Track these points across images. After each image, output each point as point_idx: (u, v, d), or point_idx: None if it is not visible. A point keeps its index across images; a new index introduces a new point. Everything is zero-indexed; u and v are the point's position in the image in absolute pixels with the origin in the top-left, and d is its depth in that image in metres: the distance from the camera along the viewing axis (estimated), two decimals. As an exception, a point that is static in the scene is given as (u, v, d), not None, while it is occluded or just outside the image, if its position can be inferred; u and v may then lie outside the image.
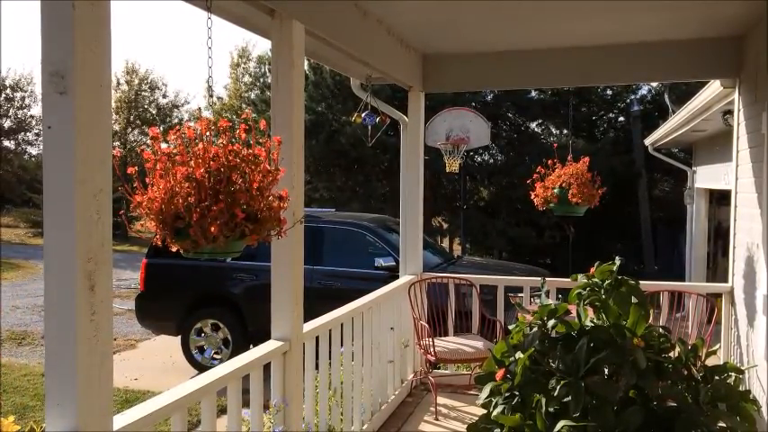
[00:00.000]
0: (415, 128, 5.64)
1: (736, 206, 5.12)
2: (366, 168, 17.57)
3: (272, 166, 2.52)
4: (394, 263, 8.27)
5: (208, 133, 2.38)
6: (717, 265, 14.17)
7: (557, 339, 2.41)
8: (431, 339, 5.32)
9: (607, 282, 2.44)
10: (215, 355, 8.24)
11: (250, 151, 2.48)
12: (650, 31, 4.90)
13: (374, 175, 17.70)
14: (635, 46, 5.17)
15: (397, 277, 6.51)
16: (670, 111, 13.21)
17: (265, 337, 3.44)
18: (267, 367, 3.25)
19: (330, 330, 4.09)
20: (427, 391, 5.67)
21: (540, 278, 7.90)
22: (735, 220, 5.15)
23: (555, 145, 5.75)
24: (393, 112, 5.49)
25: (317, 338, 3.92)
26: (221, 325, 8.30)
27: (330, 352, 4.14)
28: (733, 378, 2.48)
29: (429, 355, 5.35)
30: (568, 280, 4.54)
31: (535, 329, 2.50)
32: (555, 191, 5.20)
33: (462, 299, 6.78)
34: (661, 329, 2.51)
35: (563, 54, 5.39)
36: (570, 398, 2.18)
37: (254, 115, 2.67)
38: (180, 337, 8.35)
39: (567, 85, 6.67)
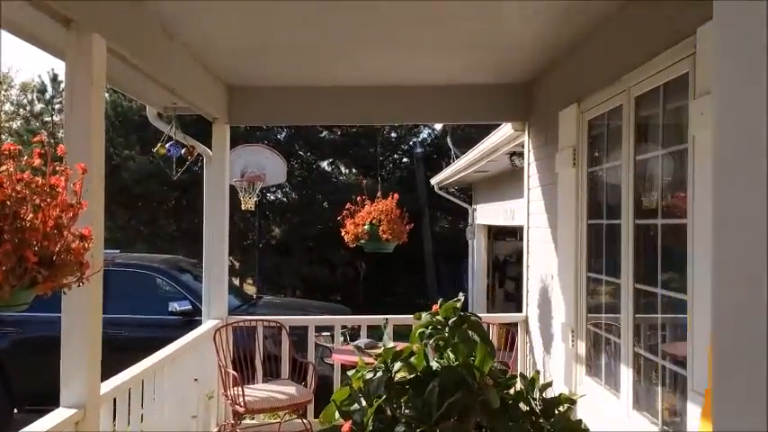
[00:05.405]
0: (220, 162, 5.30)
1: (528, 240, 5.49)
2: (152, 206, 16.46)
3: (74, 199, 2.11)
4: (190, 307, 7.70)
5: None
6: (495, 296, 15.39)
7: (405, 383, 2.27)
8: (239, 388, 4.94)
9: (452, 320, 2.37)
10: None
11: (45, 181, 2.05)
12: (451, 74, 5.15)
13: (161, 213, 16.63)
14: (437, 88, 5.39)
15: (194, 322, 6.03)
16: (452, 152, 14.19)
17: (35, 400, 2.88)
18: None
19: (130, 389, 3.58)
20: (234, 445, 5.24)
21: (345, 315, 7.81)
22: (528, 253, 5.51)
23: (362, 181, 5.78)
24: (196, 144, 5.11)
25: (115, 400, 3.40)
26: (-22, 388, 7.03)
27: (129, 415, 3.62)
28: (565, 408, 2.54)
29: (238, 406, 4.96)
30: (402, 316, 4.50)
31: (380, 374, 2.34)
32: (365, 227, 5.18)
33: (265, 342, 6.46)
34: (500, 365, 2.50)
35: (366, 92, 5.47)
36: (426, 446, 2.05)
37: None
38: None
39: (372, 122, 6.81)
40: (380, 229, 5.15)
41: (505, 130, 6.07)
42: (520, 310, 5.73)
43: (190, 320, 7.10)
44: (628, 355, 3.42)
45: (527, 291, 5.55)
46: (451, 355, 2.32)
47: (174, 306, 7.71)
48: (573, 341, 4.21)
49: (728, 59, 0.88)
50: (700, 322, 2.61)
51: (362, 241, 5.25)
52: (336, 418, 2.43)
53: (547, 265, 4.88)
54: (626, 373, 3.44)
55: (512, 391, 2.46)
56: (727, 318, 0.89)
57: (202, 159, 5.50)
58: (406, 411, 2.18)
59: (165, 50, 3.83)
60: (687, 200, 2.68)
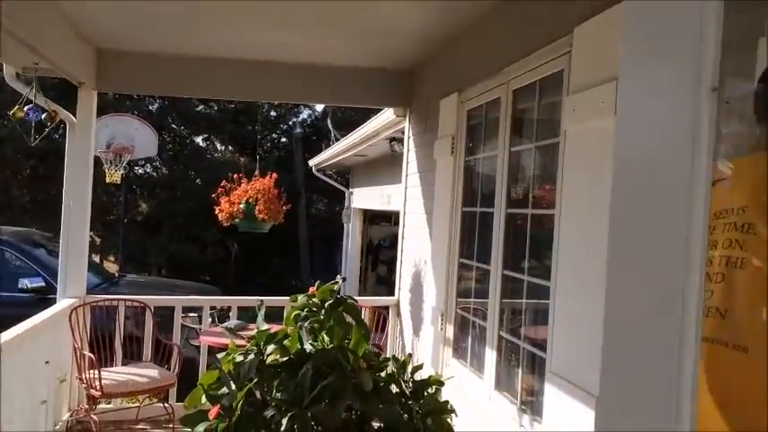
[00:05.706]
0: (85, 130, 4.92)
1: (404, 225, 5.57)
2: (4, 174, 15.16)
3: None
4: (44, 284, 7.19)
5: None
6: (367, 279, 15.59)
7: (277, 367, 2.22)
8: (95, 371, 4.66)
9: (328, 302, 2.34)
10: None
11: None
12: (334, 56, 5.09)
13: (14, 182, 15.36)
14: (320, 68, 5.31)
15: (47, 300, 5.61)
16: (332, 135, 14.14)
17: None
18: None
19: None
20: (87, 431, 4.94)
21: (215, 296, 7.59)
22: (403, 238, 5.59)
23: (240, 159, 5.62)
24: (59, 109, 4.72)
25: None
26: None
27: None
28: (434, 390, 2.60)
29: (93, 390, 4.67)
30: (276, 298, 4.43)
31: (251, 357, 2.28)
32: (241, 206, 5.04)
33: (127, 322, 6.15)
34: (374, 348, 2.51)
35: (247, 67, 5.28)
36: (296, 431, 2.01)
37: None
38: None
39: (251, 98, 6.61)
40: (257, 208, 5.03)
41: (387, 115, 6.11)
42: (391, 294, 5.82)
43: (43, 298, 6.63)
44: (493, 339, 3.56)
45: (400, 275, 5.63)
46: (326, 338, 2.30)
47: (25, 283, 7.18)
48: (442, 324, 4.33)
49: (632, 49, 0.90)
50: (561, 307, 2.76)
51: (237, 220, 5.10)
52: (203, 402, 2.34)
53: (421, 251, 4.98)
54: (490, 356, 3.59)
55: (384, 374, 2.48)
56: (618, 313, 0.92)
57: (65, 126, 5.10)
58: (278, 395, 2.14)
59: (27, 5, 3.48)
60: (556, 191, 2.81)
